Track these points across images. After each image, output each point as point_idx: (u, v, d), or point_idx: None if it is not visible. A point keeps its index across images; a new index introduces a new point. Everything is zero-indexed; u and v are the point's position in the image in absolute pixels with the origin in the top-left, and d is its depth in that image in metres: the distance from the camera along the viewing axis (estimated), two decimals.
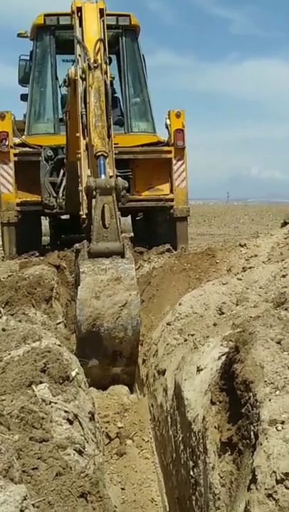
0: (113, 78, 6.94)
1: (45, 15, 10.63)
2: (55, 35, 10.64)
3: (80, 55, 6.44)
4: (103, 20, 6.72)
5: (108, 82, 6.36)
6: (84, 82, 6.23)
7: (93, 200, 5.18)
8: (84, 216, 5.75)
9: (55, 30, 10.58)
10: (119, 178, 5.39)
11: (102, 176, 5.30)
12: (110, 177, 5.50)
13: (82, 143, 6.13)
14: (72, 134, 7.04)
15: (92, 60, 6.15)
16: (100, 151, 5.51)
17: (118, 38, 10.82)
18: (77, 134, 6.28)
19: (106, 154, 5.52)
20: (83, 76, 6.25)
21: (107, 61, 6.49)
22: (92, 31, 6.54)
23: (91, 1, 6.86)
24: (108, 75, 6.44)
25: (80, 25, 6.63)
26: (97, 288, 4.69)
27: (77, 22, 6.67)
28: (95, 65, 6.14)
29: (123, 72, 11.04)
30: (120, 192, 5.24)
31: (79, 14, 6.69)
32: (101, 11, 6.74)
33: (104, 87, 6.14)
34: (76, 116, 6.42)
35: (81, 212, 5.88)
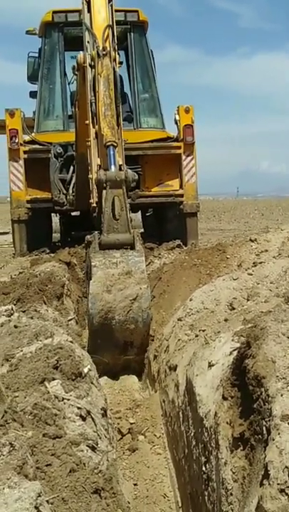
0: (121, 63, 6.95)
1: (54, 12, 10.63)
2: (64, 32, 10.64)
3: (88, 42, 6.44)
4: (111, 5, 6.70)
5: (117, 69, 6.39)
6: (93, 69, 6.23)
7: (103, 192, 5.25)
8: (94, 204, 5.84)
9: (63, 27, 10.59)
10: (128, 170, 5.40)
11: (112, 168, 5.35)
12: (120, 167, 5.55)
13: (92, 131, 6.18)
14: (81, 122, 7.04)
15: (100, 48, 6.15)
16: (109, 141, 5.55)
17: (126, 33, 10.80)
18: (87, 122, 6.31)
19: (116, 144, 5.57)
20: (92, 64, 6.25)
21: (116, 47, 6.49)
22: (100, 17, 6.53)
23: None
24: (117, 61, 6.43)
25: (89, 11, 6.61)
26: (109, 282, 4.79)
27: (86, 8, 6.65)
28: (104, 52, 6.15)
29: (132, 67, 11.03)
30: (130, 184, 5.32)
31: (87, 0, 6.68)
32: None
33: (114, 74, 6.15)
34: (85, 102, 6.44)
35: (91, 201, 5.98)
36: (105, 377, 4.87)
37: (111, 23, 6.50)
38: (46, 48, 10.87)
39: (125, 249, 5.02)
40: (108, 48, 6.22)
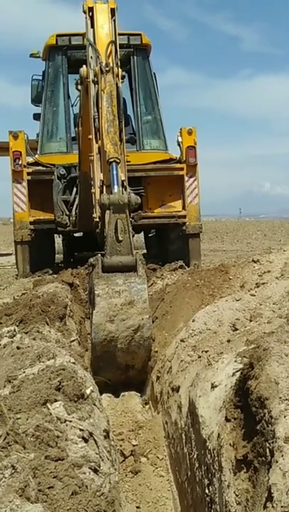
0: (123, 78, 7.04)
1: (57, 35, 10.76)
2: (67, 55, 10.77)
3: (91, 57, 6.51)
4: (114, 20, 6.75)
5: (120, 85, 6.44)
6: (96, 85, 6.30)
7: (106, 215, 5.33)
8: (96, 219, 5.92)
9: (67, 50, 10.72)
10: (132, 193, 5.44)
11: (115, 188, 5.40)
12: (123, 182, 5.63)
13: (95, 146, 6.23)
14: (84, 138, 7.09)
15: (104, 64, 6.22)
16: (112, 157, 5.64)
17: (130, 56, 10.92)
18: (90, 136, 6.37)
19: (118, 160, 5.65)
20: (95, 79, 6.32)
21: (119, 63, 6.56)
22: (103, 33, 6.59)
23: (102, 0, 6.90)
24: (120, 76, 6.49)
25: (92, 26, 6.68)
26: (112, 312, 4.88)
27: (89, 23, 6.71)
28: (107, 68, 6.21)
29: (135, 90, 11.13)
30: (133, 208, 5.36)
31: (90, 14, 6.73)
32: (112, 10, 6.77)
33: (117, 90, 6.22)
34: (88, 117, 6.51)
35: (94, 215, 6.03)
36: (108, 399, 4.86)
37: (114, 39, 6.57)
38: (50, 71, 10.99)
39: (128, 274, 5.06)
40: (111, 64, 6.29)
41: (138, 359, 5.05)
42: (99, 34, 6.58)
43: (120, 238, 5.17)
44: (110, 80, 6.20)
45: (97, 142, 6.22)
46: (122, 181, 5.67)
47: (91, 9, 6.74)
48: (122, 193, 5.38)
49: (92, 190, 6.26)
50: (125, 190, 5.60)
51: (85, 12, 6.78)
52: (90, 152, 6.47)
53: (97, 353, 4.96)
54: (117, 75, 6.38)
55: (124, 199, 5.23)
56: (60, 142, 10.89)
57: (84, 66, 6.79)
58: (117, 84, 6.29)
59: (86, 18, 6.76)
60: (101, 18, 6.67)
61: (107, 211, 5.31)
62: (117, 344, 4.93)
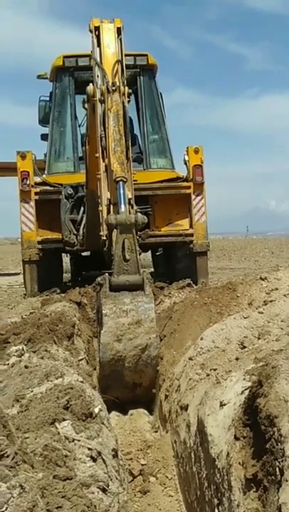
0: (130, 96, 7.17)
1: (64, 56, 10.88)
2: (74, 76, 10.88)
3: (98, 76, 6.57)
4: (120, 39, 6.83)
5: (126, 104, 6.50)
6: (103, 104, 6.36)
7: (113, 235, 5.41)
8: (104, 238, 5.99)
9: (74, 71, 10.83)
10: (138, 213, 5.50)
11: (122, 207, 5.49)
12: (130, 200, 5.72)
13: (102, 164, 6.29)
14: (92, 157, 7.15)
15: (110, 83, 6.27)
16: (119, 177, 5.72)
17: (136, 77, 11.02)
18: (97, 155, 6.42)
19: (125, 180, 5.73)
20: (102, 98, 6.38)
21: (125, 82, 6.62)
22: (110, 52, 6.67)
23: (108, 19, 6.97)
24: (126, 94, 6.55)
25: (98, 45, 6.74)
26: (119, 332, 4.92)
27: (95, 42, 6.78)
28: (113, 88, 6.27)
29: (141, 110, 11.21)
30: (140, 227, 5.44)
31: (96, 33, 6.80)
32: (118, 29, 6.86)
33: (123, 109, 6.28)
34: (95, 135, 6.57)
35: (101, 233, 6.11)
36: (116, 417, 4.85)
37: (120, 58, 6.63)
38: (57, 92, 11.10)
39: (135, 293, 5.10)
40: (118, 83, 6.34)
41: (145, 377, 5.07)
42: (105, 53, 6.66)
43: (127, 257, 5.24)
44: (117, 99, 6.26)
45: (104, 161, 6.28)
46: (129, 199, 5.75)
47: (97, 28, 6.82)
48: (129, 212, 5.45)
49: (100, 209, 6.34)
50: (132, 208, 5.66)
51: (91, 31, 6.86)
52: (97, 171, 6.53)
53: (104, 372, 4.99)
54: (124, 94, 6.45)
55: (131, 219, 5.29)
56: (68, 162, 10.96)
57: (90, 84, 6.86)
58: (123, 103, 6.36)
59: (92, 37, 6.84)
60: (107, 38, 6.75)
61: (115, 230, 5.37)
62: (125, 363, 4.94)
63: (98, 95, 6.46)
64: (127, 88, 6.57)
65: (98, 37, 6.78)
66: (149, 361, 4.98)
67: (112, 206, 5.91)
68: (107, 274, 5.27)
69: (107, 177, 6.18)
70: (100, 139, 6.33)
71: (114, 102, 6.23)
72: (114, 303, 4.99)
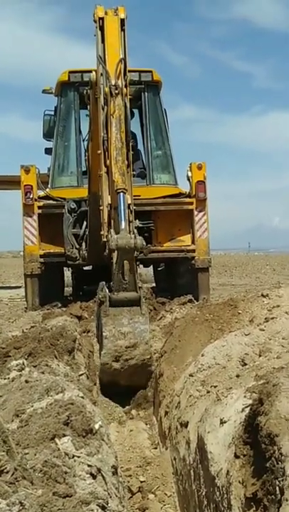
0: (132, 100, 7.27)
1: (70, 72, 10.97)
2: (79, 91, 10.94)
3: (102, 74, 6.62)
4: (124, 30, 6.87)
5: (128, 105, 6.63)
6: (106, 107, 6.42)
7: (114, 255, 5.75)
8: (104, 239, 6.34)
9: (79, 86, 10.90)
10: (138, 237, 5.74)
11: (122, 224, 5.74)
12: (129, 206, 5.95)
13: (104, 170, 6.42)
14: (94, 153, 7.20)
15: (113, 85, 6.32)
16: (120, 188, 5.96)
17: (141, 93, 11.09)
18: (99, 151, 6.60)
19: (125, 191, 5.99)
20: (105, 101, 6.44)
21: (128, 83, 6.68)
22: (114, 51, 6.70)
23: (112, 8, 6.98)
24: (128, 96, 6.62)
25: (102, 41, 6.75)
26: (117, 353, 5.50)
27: (99, 36, 6.79)
28: (116, 91, 6.31)
29: (145, 126, 11.28)
30: (139, 250, 5.84)
31: (101, 24, 6.82)
32: (122, 21, 6.90)
33: (125, 111, 6.36)
34: (97, 128, 6.79)
35: (102, 232, 6.47)
36: (116, 433, 4.83)
37: (124, 56, 6.66)
38: (62, 107, 11.18)
39: (133, 311, 5.58)
40: (120, 85, 6.38)
41: (140, 381, 5.61)
42: (109, 51, 6.68)
43: (126, 277, 5.66)
44: (120, 103, 6.34)
45: (105, 162, 6.39)
46: (129, 205, 6.01)
47: (101, 19, 6.81)
48: (129, 231, 5.73)
49: (101, 208, 6.60)
50: (130, 224, 5.92)
51: (95, 21, 6.86)
52: (99, 170, 6.65)
53: (103, 385, 5.61)
54: (126, 95, 6.51)
55: (131, 244, 5.59)
56: (71, 176, 11.01)
57: (94, 72, 6.90)
58: (125, 104, 6.43)
59: (96, 27, 6.83)
60: (111, 36, 6.76)
61: (114, 255, 5.74)
62: (120, 380, 5.58)
63: (102, 102, 6.52)
64: (128, 89, 6.66)
65: (102, 30, 6.79)
66: (143, 376, 5.58)
67: (112, 210, 6.20)
68: (107, 290, 5.67)
69: (108, 178, 6.32)
70: (103, 142, 6.45)
71: (116, 106, 6.30)
72: (114, 324, 5.49)
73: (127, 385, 5.60)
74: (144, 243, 6.11)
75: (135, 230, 5.98)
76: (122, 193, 5.94)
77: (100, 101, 6.62)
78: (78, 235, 9.86)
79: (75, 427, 2.52)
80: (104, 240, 6.32)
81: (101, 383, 5.67)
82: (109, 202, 6.31)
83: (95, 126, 7.09)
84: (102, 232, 6.47)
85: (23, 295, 11.67)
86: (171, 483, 4.10)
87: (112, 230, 5.90)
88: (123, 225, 5.74)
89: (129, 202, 6.14)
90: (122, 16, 6.91)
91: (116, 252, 5.63)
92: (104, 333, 5.49)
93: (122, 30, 6.84)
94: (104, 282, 5.82)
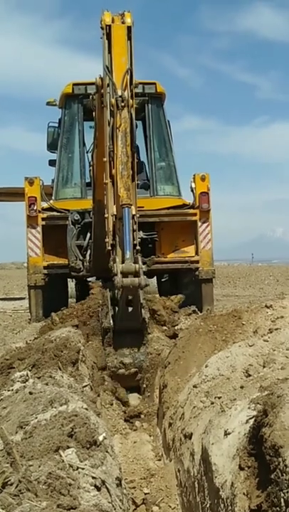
0: (137, 105, 7.30)
1: (74, 84, 11.01)
2: (83, 104, 10.98)
3: (108, 85, 6.61)
4: (130, 38, 6.80)
5: (134, 117, 6.65)
6: (112, 118, 6.44)
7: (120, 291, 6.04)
8: (109, 248, 6.44)
9: (83, 98, 10.93)
10: (142, 277, 5.93)
11: (128, 254, 5.93)
12: (134, 246, 6.17)
13: (109, 180, 6.45)
14: (99, 160, 7.20)
15: (119, 97, 6.31)
16: (125, 203, 6.05)
17: (144, 105, 11.12)
18: (105, 159, 6.67)
19: (130, 205, 6.09)
20: (111, 112, 6.46)
21: (134, 94, 6.68)
22: (120, 61, 6.68)
23: (119, 14, 6.86)
24: (134, 107, 6.63)
25: (109, 51, 6.73)
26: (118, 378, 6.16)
27: (106, 45, 6.74)
28: (122, 104, 6.31)
29: (149, 137, 11.31)
30: (142, 288, 6.08)
31: (108, 31, 6.74)
32: (129, 29, 6.80)
33: (131, 124, 6.44)
34: (103, 135, 6.81)
35: (106, 240, 6.53)
36: (119, 445, 4.81)
37: (130, 66, 6.64)
38: (66, 119, 11.22)
39: (135, 344, 6.19)
40: (126, 97, 6.38)
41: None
42: (115, 62, 6.64)
43: (130, 309, 6.09)
44: (125, 116, 6.34)
45: (110, 171, 6.41)
46: (133, 216, 6.17)
47: (108, 26, 6.74)
48: (134, 260, 5.95)
49: (106, 215, 6.64)
50: (135, 249, 6.15)
51: (102, 28, 6.79)
52: (104, 178, 6.68)
53: None
54: (132, 106, 6.51)
55: (135, 283, 5.83)
56: (75, 188, 11.03)
57: (99, 76, 6.91)
58: (131, 116, 6.45)
59: (103, 34, 6.77)
60: (118, 46, 6.73)
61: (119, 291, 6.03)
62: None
63: (108, 116, 6.53)
64: (134, 100, 6.68)
65: (109, 38, 6.74)
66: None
67: (118, 221, 6.30)
68: (112, 321, 6.21)
69: (113, 187, 6.36)
70: (108, 153, 6.51)
71: (122, 119, 6.31)
72: (116, 354, 6.17)
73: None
74: (149, 282, 6.61)
75: (139, 258, 6.11)
76: (126, 208, 6.05)
77: (106, 112, 6.63)
78: (82, 247, 9.85)
79: (79, 438, 2.52)
80: (109, 248, 6.42)
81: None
82: (114, 213, 6.34)
83: (100, 131, 7.10)
84: (106, 240, 6.50)
85: (27, 306, 11.67)
86: (176, 495, 4.09)
87: (116, 258, 6.06)
88: (128, 254, 5.92)
89: (134, 213, 6.23)
90: (129, 22, 6.80)
91: (121, 289, 5.92)
92: (108, 364, 6.18)
93: (129, 38, 6.78)
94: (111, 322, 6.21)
